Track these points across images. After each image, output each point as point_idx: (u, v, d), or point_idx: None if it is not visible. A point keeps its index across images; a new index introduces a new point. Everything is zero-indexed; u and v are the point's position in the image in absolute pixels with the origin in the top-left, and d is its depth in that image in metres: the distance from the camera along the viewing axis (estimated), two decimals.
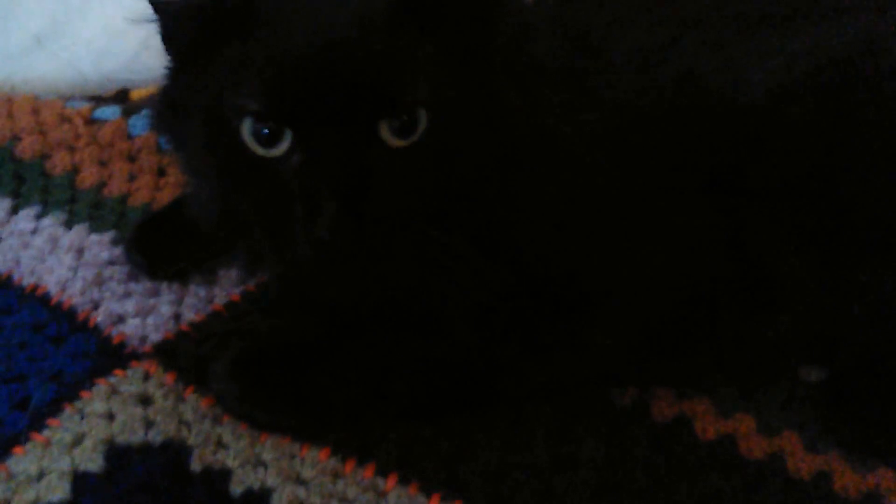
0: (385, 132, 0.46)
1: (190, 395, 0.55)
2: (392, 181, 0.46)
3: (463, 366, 0.55)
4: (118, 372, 0.55)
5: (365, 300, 0.53)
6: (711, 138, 0.53)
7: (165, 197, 0.70)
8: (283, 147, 0.46)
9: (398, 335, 0.55)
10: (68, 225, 0.67)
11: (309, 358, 0.55)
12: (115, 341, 0.57)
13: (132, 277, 0.63)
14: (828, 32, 0.55)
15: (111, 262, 0.64)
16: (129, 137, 0.74)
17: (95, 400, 0.54)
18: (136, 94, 0.80)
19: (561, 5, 0.61)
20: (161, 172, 0.72)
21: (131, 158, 0.73)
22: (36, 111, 0.76)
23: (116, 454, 0.51)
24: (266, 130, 0.46)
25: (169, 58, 0.51)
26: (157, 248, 0.64)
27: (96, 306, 0.60)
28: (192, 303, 0.61)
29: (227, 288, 0.63)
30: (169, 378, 0.55)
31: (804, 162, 0.52)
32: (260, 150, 0.46)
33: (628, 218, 0.53)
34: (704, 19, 0.57)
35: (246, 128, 0.46)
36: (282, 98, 0.45)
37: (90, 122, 0.75)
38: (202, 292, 0.62)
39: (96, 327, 0.58)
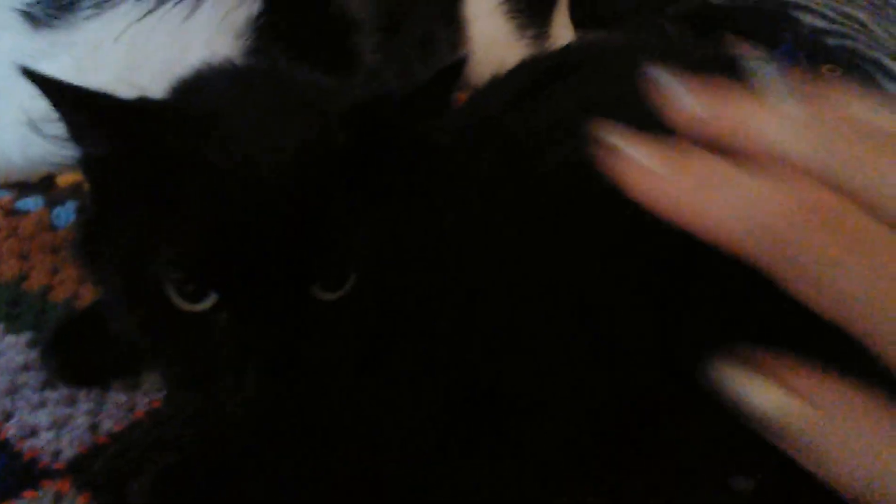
0: (315, 289, 0.44)
1: None
2: (322, 334, 0.45)
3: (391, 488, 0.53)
4: (28, 493, 0.53)
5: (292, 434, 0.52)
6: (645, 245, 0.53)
7: (90, 291, 0.69)
8: (209, 302, 0.44)
9: (328, 457, 0.53)
10: None
11: (236, 475, 0.53)
12: (26, 458, 0.55)
13: (48, 384, 0.60)
14: None
15: (26, 367, 0.61)
16: (53, 228, 0.72)
17: None
18: (62, 180, 0.78)
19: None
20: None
21: (54, 250, 0.71)
22: None
23: None
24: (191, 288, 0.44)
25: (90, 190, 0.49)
26: (76, 351, 0.62)
27: (8, 417, 0.58)
28: (112, 411, 0.59)
29: (150, 393, 0.61)
30: (82, 500, 0.53)
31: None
32: (186, 306, 0.44)
33: (555, 319, 0.53)
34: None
35: (170, 286, 0.44)
36: (208, 268, 0.43)
37: (11, 212, 0.73)
38: (123, 398, 0.60)
39: (6, 442, 0.56)
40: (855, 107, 0.30)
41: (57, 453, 0.56)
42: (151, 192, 0.44)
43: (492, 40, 0.99)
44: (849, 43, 1.04)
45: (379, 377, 0.49)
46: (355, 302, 0.45)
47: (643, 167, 0.30)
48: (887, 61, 1.01)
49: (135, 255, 0.44)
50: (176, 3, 0.81)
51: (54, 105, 0.45)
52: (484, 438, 0.53)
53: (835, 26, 1.07)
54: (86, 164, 0.48)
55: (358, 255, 0.45)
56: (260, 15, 0.83)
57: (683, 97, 0.31)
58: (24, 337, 0.64)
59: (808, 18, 1.09)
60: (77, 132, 0.47)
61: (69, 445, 0.56)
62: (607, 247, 0.53)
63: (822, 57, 1.03)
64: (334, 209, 0.44)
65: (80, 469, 0.55)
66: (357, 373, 0.47)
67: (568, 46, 0.66)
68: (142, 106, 0.46)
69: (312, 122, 0.45)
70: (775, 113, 0.30)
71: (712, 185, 0.29)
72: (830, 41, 1.05)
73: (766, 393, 0.29)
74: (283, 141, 0.44)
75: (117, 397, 0.60)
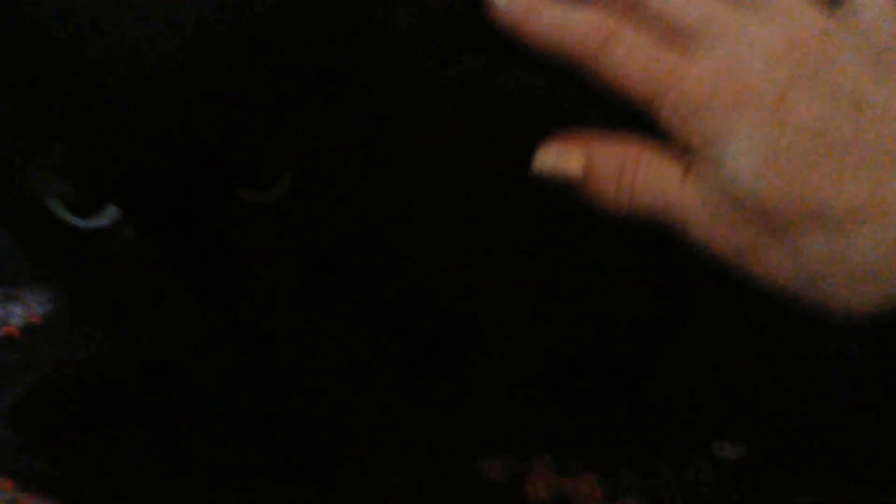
0: (244, 192, 0.36)
1: None
2: (257, 245, 0.37)
3: (319, 429, 0.44)
4: None
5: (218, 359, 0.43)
6: None
7: None
8: (107, 217, 0.35)
9: (249, 392, 0.44)
10: None
11: (118, 403, 0.44)
12: None
13: None
14: None
15: None
16: None
17: None
18: None
19: None
20: None
21: None
22: None
23: None
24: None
25: None
26: None
27: None
28: None
29: (30, 307, 0.52)
30: None
31: None
32: (79, 223, 0.36)
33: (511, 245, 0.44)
34: None
35: (54, 200, 0.35)
36: (104, 174, 0.34)
37: None
38: None
39: None
40: None
41: None
42: (18, 77, 0.35)
43: None
44: None
45: (324, 300, 0.41)
46: (294, 205, 0.37)
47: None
48: None
49: (4, 162, 0.36)
50: None
51: None
52: (439, 376, 0.45)
53: None
54: None
55: (291, 149, 0.36)
56: None
57: None
58: None
59: None
60: None
61: None
62: None
63: None
64: (256, 90, 0.35)
65: None
66: (300, 294, 0.39)
67: None
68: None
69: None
70: None
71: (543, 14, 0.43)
72: None
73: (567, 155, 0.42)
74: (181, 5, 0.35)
75: None
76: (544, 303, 0.44)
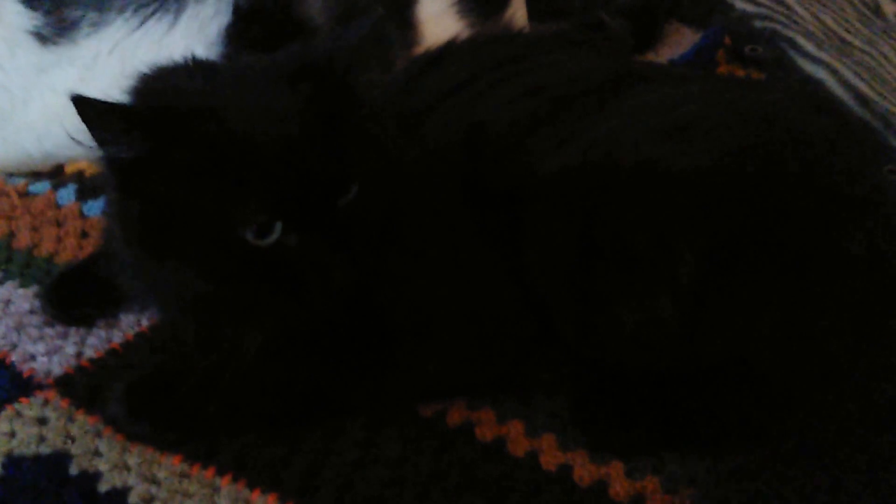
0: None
1: (79, 416, 0.69)
2: (351, 234, 0.61)
3: (316, 387, 0.69)
4: (23, 399, 0.70)
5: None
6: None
7: (87, 254, 0.86)
8: (277, 233, 0.59)
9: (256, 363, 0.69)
10: (2, 282, 0.83)
11: (185, 385, 0.68)
12: (25, 375, 0.72)
13: (47, 324, 0.78)
14: None
15: (31, 312, 0.79)
16: (57, 207, 0.90)
17: (2, 422, 0.69)
18: (69, 169, 0.96)
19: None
20: (84, 234, 0.88)
21: (59, 224, 0.88)
22: None
23: (12, 463, 0.66)
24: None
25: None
26: (67, 299, 0.79)
27: (14, 347, 0.75)
28: (94, 342, 0.76)
29: (125, 329, 0.78)
30: (64, 403, 0.70)
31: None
32: (262, 243, 0.59)
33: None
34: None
35: (249, 230, 0.59)
36: (281, 205, 0.59)
37: (25, 195, 0.91)
38: (103, 334, 0.77)
39: (11, 365, 0.73)
40: None
41: (48, 373, 0.73)
42: (204, 177, 0.59)
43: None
44: (770, 24, 1.15)
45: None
46: (363, 203, 0.61)
47: None
48: (801, 39, 1.11)
49: (217, 220, 0.59)
50: (159, 19, 0.98)
51: (99, 123, 0.58)
52: (388, 354, 0.69)
53: (761, 9, 1.18)
54: (125, 168, 0.61)
55: (355, 168, 0.60)
56: (229, 26, 0.99)
57: None
58: (32, 290, 0.81)
59: (738, 4, 1.20)
60: (115, 138, 0.59)
61: (58, 367, 0.73)
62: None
63: (746, 38, 1.14)
64: (329, 138, 0.59)
65: (65, 383, 0.72)
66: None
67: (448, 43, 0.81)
68: (172, 111, 0.60)
69: (283, 89, 0.61)
70: None
71: None
72: (756, 23, 1.16)
73: None
74: (275, 107, 0.60)
75: (99, 333, 0.77)
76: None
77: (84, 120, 0.58)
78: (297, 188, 0.59)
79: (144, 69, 0.66)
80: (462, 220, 0.68)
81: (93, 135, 0.59)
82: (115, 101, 0.60)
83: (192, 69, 0.66)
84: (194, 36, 0.98)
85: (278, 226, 0.59)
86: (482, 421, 0.69)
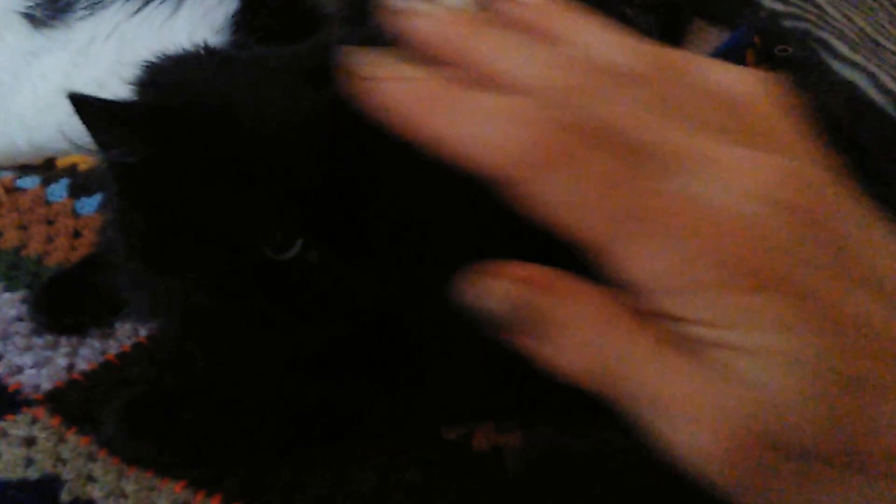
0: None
1: (71, 436, 0.63)
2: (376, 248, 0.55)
3: (332, 407, 0.63)
4: (9, 416, 0.64)
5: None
6: None
7: (80, 256, 0.79)
8: (297, 248, 0.54)
9: (268, 381, 0.63)
10: None
11: (191, 404, 0.63)
12: (11, 389, 0.66)
13: (35, 332, 0.71)
14: None
15: (19, 318, 0.72)
16: (48, 203, 0.83)
17: None
18: (60, 163, 0.89)
19: None
20: (77, 234, 0.81)
21: (49, 222, 0.82)
22: None
23: None
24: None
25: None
26: (58, 305, 0.73)
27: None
28: (87, 354, 0.70)
29: (121, 340, 0.72)
30: (54, 421, 0.64)
31: None
32: (281, 258, 0.54)
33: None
34: None
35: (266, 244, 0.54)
36: (303, 219, 0.53)
37: (12, 190, 0.84)
38: (97, 344, 0.71)
39: None
40: (592, 42, 0.32)
41: (37, 387, 0.67)
42: (217, 183, 0.53)
43: None
44: (801, 24, 1.10)
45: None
46: (391, 215, 0.55)
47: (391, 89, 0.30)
48: (833, 41, 1.06)
49: (231, 232, 0.54)
50: (160, 3, 0.92)
51: (100, 124, 0.52)
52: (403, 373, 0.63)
53: (790, 9, 1.13)
54: (128, 173, 0.55)
55: (383, 179, 0.54)
56: (236, 12, 0.93)
57: (416, 17, 0.32)
58: (20, 294, 0.75)
59: (767, 2, 1.15)
60: (118, 141, 0.53)
61: (48, 380, 0.67)
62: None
63: (776, 38, 1.09)
64: (356, 144, 0.53)
65: (55, 399, 0.66)
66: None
67: None
68: (182, 109, 0.54)
69: (307, 87, 0.54)
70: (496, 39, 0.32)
71: (456, 107, 0.30)
72: (786, 23, 1.11)
73: (492, 288, 0.30)
74: (297, 108, 0.54)
75: (92, 343, 0.71)
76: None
77: (83, 120, 0.51)
78: (320, 200, 0.53)
79: (150, 57, 0.59)
80: (500, 231, 0.62)
81: (92, 137, 0.53)
82: (117, 98, 0.54)
83: (204, 59, 0.60)
84: (198, 22, 0.92)
85: (299, 241, 0.53)
86: (510, 446, 0.63)
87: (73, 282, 0.74)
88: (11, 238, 0.80)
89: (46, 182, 0.85)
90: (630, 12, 1.15)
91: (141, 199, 0.55)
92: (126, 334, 0.72)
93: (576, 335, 0.29)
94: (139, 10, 0.91)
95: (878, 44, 1.10)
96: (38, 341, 0.71)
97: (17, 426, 0.64)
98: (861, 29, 1.11)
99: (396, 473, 0.61)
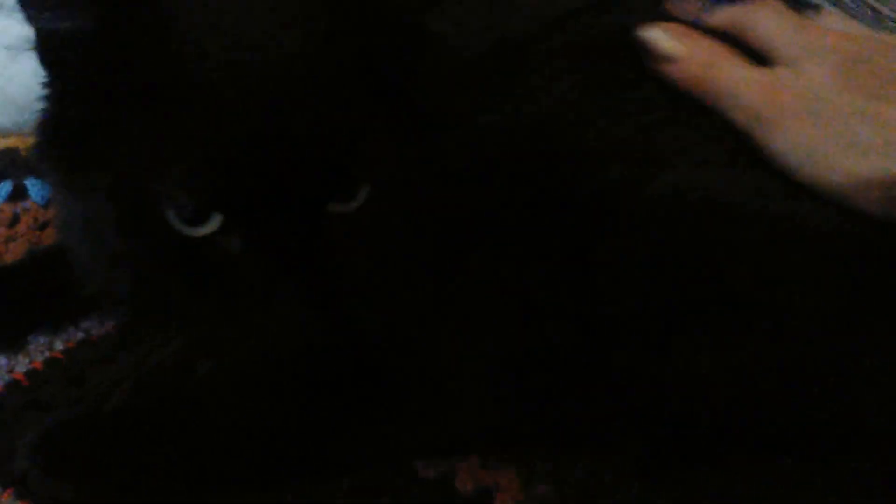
0: (331, 204, 0.42)
1: None
2: (342, 252, 0.42)
3: (293, 438, 0.53)
4: None
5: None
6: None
7: (19, 249, 0.67)
8: (214, 224, 0.41)
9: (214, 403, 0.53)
10: None
11: (119, 431, 0.53)
12: None
13: None
14: None
15: None
16: None
17: None
18: None
19: None
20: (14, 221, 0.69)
21: None
22: None
23: None
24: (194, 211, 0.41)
25: (51, 79, 0.44)
26: None
27: None
28: None
29: (31, 355, 0.60)
30: None
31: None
32: (186, 231, 0.41)
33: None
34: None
35: (170, 211, 0.41)
36: (217, 189, 0.40)
37: None
38: (4, 362, 0.59)
39: None
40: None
41: None
42: (137, 98, 0.41)
43: None
44: None
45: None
46: (372, 216, 0.42)
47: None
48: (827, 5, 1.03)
49: (129, 175, 0.41)
50: None
51: None
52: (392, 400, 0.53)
53: None
54: (51, 43, 0.43)
55: (369, 163, 0.42)
56: None
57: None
58: None
59: None
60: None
61: None
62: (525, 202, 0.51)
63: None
64: (339, 110, 0.41)
65: None
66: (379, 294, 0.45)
67: None
68: None
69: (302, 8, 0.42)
70: None
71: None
72: None
73: (661, 33, 0.53)
74: (274, 35, 0.41)
75: None
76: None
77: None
78: (264, 170, 0.40)
79: None
80: (499, 244, 0.52)
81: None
82: None
83: None
84: None
85: (216, 217, 0.41)
86: (502, 487, 0.55)
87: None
88: None
89: None
90: None
91: (68, 83, 0.43)
92: (39, 349, 0.61)
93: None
94: None
95: (875, 10, 1.06)
96: None
97: None
98: None
99: None
